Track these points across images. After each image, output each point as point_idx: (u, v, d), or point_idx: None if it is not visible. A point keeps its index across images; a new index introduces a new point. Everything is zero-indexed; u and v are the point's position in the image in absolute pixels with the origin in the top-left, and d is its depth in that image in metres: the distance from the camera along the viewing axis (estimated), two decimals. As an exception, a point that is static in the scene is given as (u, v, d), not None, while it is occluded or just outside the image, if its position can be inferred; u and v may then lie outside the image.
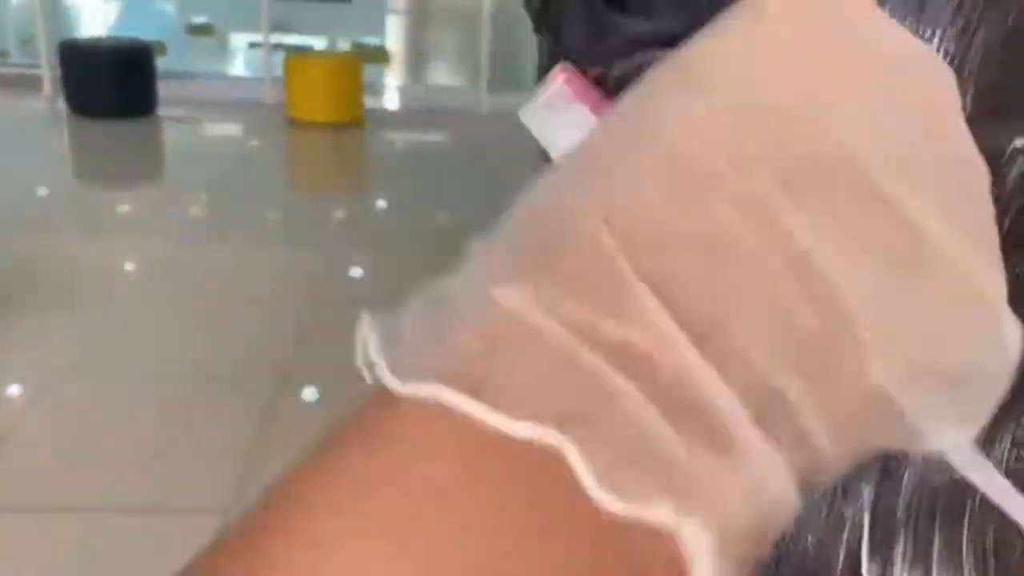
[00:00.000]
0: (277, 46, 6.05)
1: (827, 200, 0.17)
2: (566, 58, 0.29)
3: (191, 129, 5.02)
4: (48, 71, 5.34)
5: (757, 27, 0.18)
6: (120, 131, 4.67)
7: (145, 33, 5.40)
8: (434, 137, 5.14)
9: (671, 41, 0.22)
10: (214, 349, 2.44)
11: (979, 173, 0.18)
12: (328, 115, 4.93)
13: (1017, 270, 0.22)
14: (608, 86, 0.30)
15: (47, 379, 2.21)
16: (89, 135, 4.67)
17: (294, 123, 4.97)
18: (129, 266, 3.02)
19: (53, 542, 1.69)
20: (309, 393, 2.30)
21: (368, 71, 5.43)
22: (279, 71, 5.20)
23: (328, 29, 7.19)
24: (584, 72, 0.30)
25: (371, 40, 7.03)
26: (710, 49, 0.18)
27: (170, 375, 2.29)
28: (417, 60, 7.42)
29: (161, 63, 5.18)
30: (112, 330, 2.52)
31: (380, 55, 6.88)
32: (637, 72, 0.24)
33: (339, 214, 3.77)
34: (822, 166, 0.17)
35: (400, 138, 5.13)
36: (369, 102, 5.32)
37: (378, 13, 7.27)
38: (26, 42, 6.12)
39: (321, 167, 4.61)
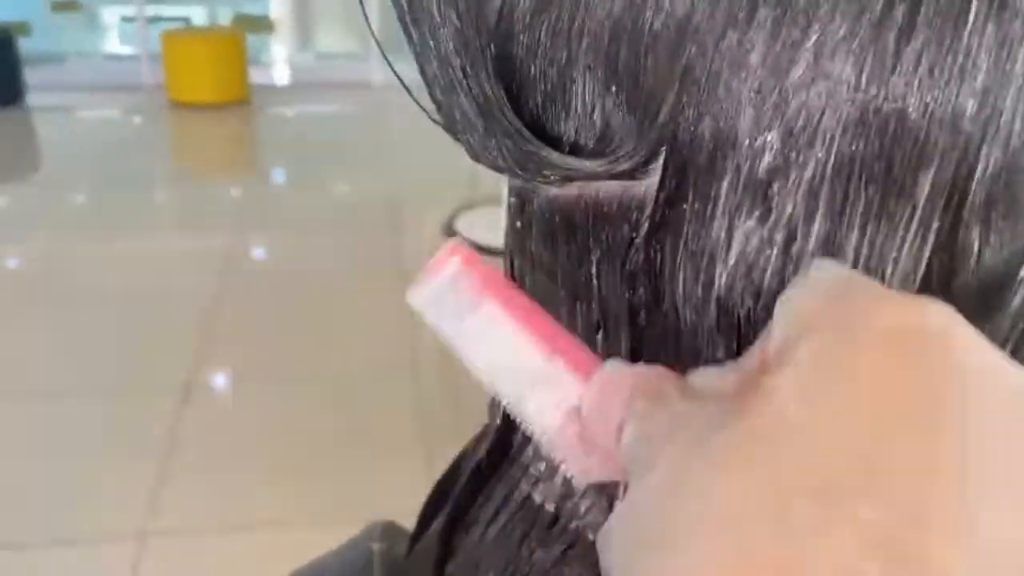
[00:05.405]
0: (153, 19, 5.73)
1: None
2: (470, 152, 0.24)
3: (65, 118, 4.72)
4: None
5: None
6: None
7: (3, 13, 5.03)
8: (327, 110, 4.99)
9: (620, 175, 0.21)
10: (113, 356, 2.32)
11: None
12: (213, 95, 4.71)
13: None
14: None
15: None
16: (-50, 131, 4.36)
17: (176, 105, 4.73)
18: (9, 271, 2.85)
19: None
20: (225, 388, 2.22)
21: (252, 42, 5.21)
22: (157, 47, 4.93)
23: (206, -2, 6.86)
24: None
25: (253, 8, 6.74)
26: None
27: (66, 391, 2.17)
28: (304, 26, 7.17)
29: (26, 45, 4.84)
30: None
31: (264, 24, 6.61)
32: (578, 203, 0.22)
33: (235, 197, 3.64)
34: None
35: (291, 114, 4.95)
36: (256, 76, 5.11)
37: (259, -22, 6.97)
38: None
39: (211, 150, 4.43)
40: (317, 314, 2.59)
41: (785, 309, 0.18)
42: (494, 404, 0.32)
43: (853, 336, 0.16)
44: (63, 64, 5.54)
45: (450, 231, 3.13)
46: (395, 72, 0.30)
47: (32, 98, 4.72)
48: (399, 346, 2.43)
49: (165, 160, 4.24)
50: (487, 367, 0.23)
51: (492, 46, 0.22)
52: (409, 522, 0.41)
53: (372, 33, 0.32)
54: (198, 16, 6.75)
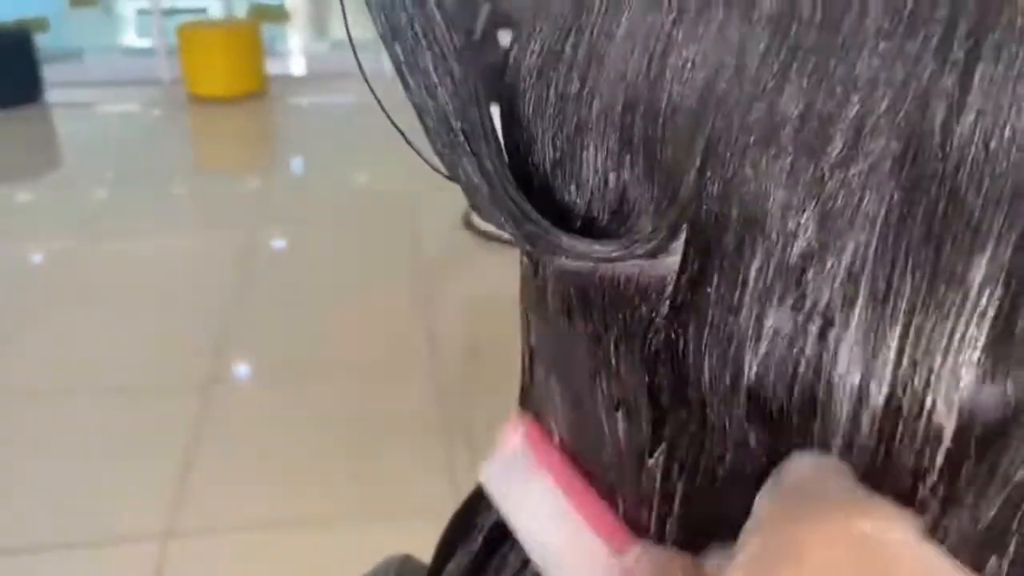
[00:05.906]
0: (169, 12, 5.74)
1: None
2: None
3: (84, 114, 4.74)
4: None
5: None
6: (4, 123, 4.38)
7: (20, 9, 5.05)
8: (343, 100, 4.97)
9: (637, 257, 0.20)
10: (133, 352, 2.33)
11: None
12: (230, 87, 4.71)
13: None
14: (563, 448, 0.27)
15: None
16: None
17: (194, 98, 4.74)
18: (31, 267, 2.86)
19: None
20: (246, 383, 2.22)
21: (268, 32, 5.20)
22: (173, 38, 4.94)
23: (221, -12, 6.85)
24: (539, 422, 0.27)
25: (268, -3, 6.74)
26: None
27: (85, 388, 2.18)
28: (320, 15, 7.16)
29: (43, 41, 4.85)
30: (15, 339, 2.39)
31: (280, 13, 6.61)
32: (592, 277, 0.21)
33: (254, 189, 3.65)
34: None
35: (307, 104, 4.95)
36: (272, 67, 5.10)
37: (273, -32, 6.95)
38: None
39: (229, 143, 4.43)
40: (336, 306, 2.59)
41: (757, 503, 0.18)
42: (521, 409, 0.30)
43: (800, 536, 0.16)
44: (81, 60, 5.57)
45: (468, 222, 3.11)
46: (391, 119, 0.28)
47: (51, 95, 4.74)
48: (418, 339, 2.42)
49: (184, 154, 4.25)
50: (534, 534, 0.25)
51: (494, 109, 0.20)
52: (431, 521, 0.40)
53: (352, 46, 0.31)
54: (214, 7, 6.76)
